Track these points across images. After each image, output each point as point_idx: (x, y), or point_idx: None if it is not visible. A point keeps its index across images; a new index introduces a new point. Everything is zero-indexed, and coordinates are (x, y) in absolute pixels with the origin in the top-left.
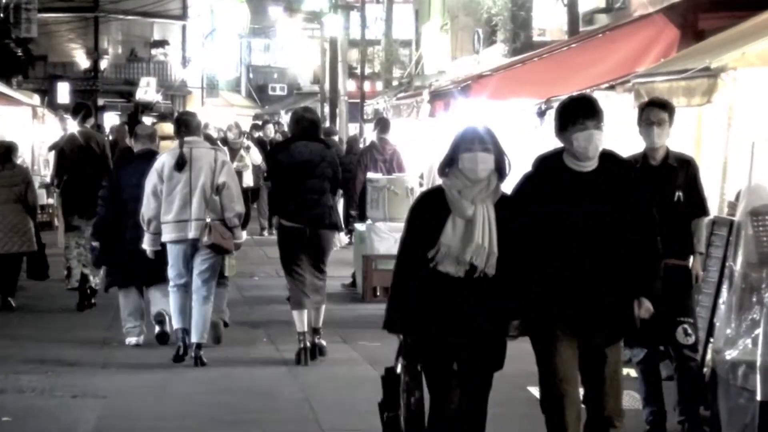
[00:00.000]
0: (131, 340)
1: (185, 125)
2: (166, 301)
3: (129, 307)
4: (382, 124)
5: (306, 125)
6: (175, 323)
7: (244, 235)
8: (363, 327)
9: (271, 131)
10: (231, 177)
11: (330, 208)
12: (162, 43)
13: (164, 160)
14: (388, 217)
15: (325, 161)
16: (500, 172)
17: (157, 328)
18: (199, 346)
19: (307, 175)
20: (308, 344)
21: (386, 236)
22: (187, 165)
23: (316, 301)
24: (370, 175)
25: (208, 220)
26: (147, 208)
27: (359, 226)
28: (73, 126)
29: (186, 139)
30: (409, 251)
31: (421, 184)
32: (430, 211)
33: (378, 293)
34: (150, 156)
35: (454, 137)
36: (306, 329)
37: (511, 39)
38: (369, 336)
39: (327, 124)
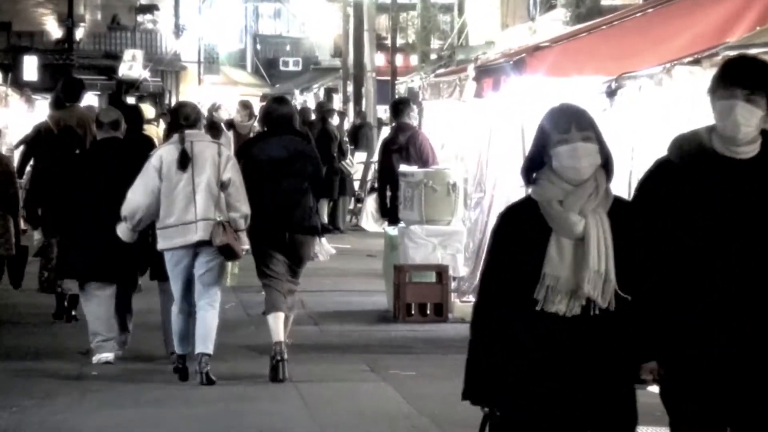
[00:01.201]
0: (102, 356)
1: (185, 117)
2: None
3: (97, 314)
4: (395, 107)
5: (279, 117)
6: (178, 348)
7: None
8: (394, 352)
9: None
10: (237, 173)
11: (309, 210)
12: (150, 8)
13: (162, 155)
14: (425, 218)
15: (304, 158)
16: (606, 167)
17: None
18: (205, 358)
19: (284, 173)
20: (285, 356)
21: (423, 242)
22: (190, 162)
23: (290, 307)
24: (403, 168)
25: (219, 218)
26: (129, 204)
27: (390, 230)
28: (43, 110)
29: (188, 132)
30: (497, 290)
31: (465, 179)
32: (523, 233)
33: (413, 311)
34: (114, 146)
35: (538, 126)
36: (282, 339)
37: (575, 3)
38: (401, 363)
39: (351, 105)
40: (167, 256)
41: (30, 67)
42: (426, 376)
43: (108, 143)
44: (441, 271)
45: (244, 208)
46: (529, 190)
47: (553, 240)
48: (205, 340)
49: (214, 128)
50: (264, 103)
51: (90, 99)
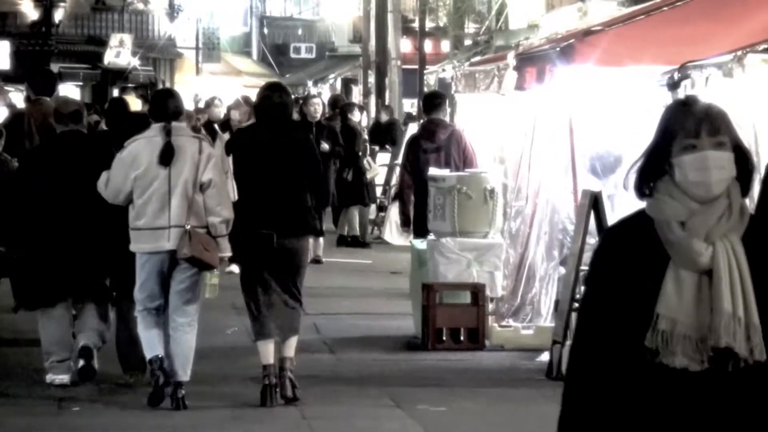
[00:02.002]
0: (56, 378)
1: (164, 107)
2: (96, 332)
3: (53, 332)
4: (430, 101)
5: (274, 107)
6: (148, 352)
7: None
8: (422, 384)
9: (318, 110)
10: (219, 174)
11: (306, 210)
12: None
13: (136, 149)
14: (458, 230)
15: (301, 152)
16: (744, 180)
17: (81, 362)
18: (180, 384)
19: (277, 169)
20: (275, 380)
21: (455, 257)
22: (173, 158)
23: (289, 329)
24: (433, 171)
25: (188, 226)
26: (112, 188)
27: (417, 244)
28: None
29: (171, 124)
30: (600, 331)
31: (504, 185)
32: (633, 258)
33: (444, 338)
34: (75, 140)
35: (659, 122)
36: (273, 362)
37: None
38: (431, 397)
39: (373, 98)
40: (137, 258)
41: (1, 54)
42: (459, 412)
43: (68, 137)
44: (476, 291)
45: (225, 212)
46: (643, 204)
47: (671, 272)
48: (184, 366)
49: (208, 128)
50: (260, 90)
51: (71, 91)
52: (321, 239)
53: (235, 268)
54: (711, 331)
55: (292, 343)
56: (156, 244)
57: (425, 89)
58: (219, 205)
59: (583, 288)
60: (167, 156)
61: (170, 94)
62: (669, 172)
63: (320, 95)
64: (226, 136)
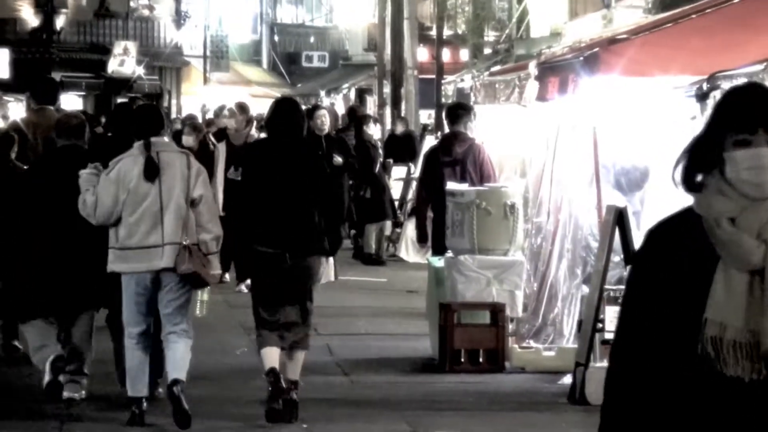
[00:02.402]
0: (49, 358)
1: (144, 123)
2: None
3: (36, 337)
4: (451, 112)
5: (284, 122)
6: (131, 389)
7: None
8: (439, 408)
9: (325, 122)
10: (208, 189)
11: (315, 230)
12: None
13: (123, 167)
14: (477, 247)
15: (312, 168)
16: None
17: (48, 376)
18: (178, 384)
19: (286, 187)
20: (282, 383)
21: (474, 276)
22: (158, 173)
23: (296, 341)
24: (451, 186)
25: (186, 242)
26: (102, 209)
27: (435, 261)
28: (17, 114)
29: (153, 140)
30: (641, 343)
31: (526, 200)
32: (679, 259)
33: (462, 359)
34: (74, 155)
35: (713, 109)
36: (278, 366)
37: None
38: (448, 422)
39: (388, 108)
40: (124, 280)
41: (0, 62)
42: None
43: (67, 152)
44: (496, 311)
45: (216, 228)
46: (691, 200)
47: (721, 272)
48: (179, 368)
49: (219, 137)
50: (272, 104)
51: (73, 101)
52: (331, 259)
53: (243, 288)
54: (764, 335)
55: (298, 363)
56: (149, 263)
57: (443, 100)
58: (210, 221)
59: (622, 294)
60: (151, 171)
61: (150, 110)
62: (719, 165)
63: (333, 106)
64: (223, 145)
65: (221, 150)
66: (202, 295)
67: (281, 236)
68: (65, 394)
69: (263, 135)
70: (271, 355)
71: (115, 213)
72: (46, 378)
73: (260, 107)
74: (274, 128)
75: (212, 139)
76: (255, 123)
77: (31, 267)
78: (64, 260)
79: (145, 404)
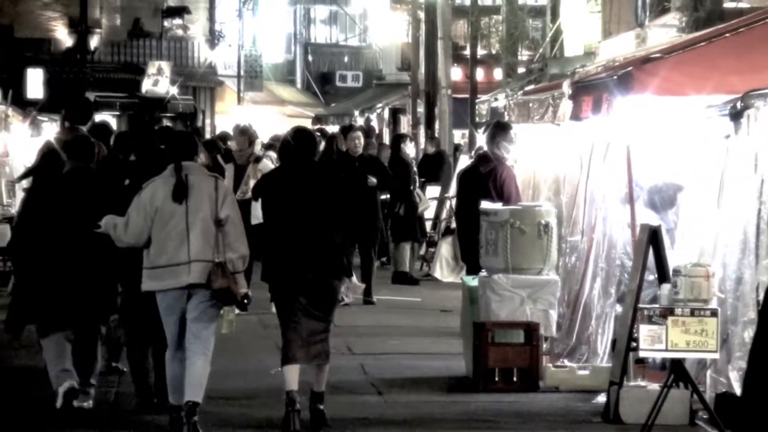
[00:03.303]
0: (66, 384)
1: (180, 145)
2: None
3: (53, 352)
4: (487, 131)
5: (296, 152)
6: (171, 397)
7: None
8: (473, 427)
9: (359, 143)
10: (235, 210)
11: (335, 252)
12: (180, 11)
13: (152, 190)
14: (511, 266)
15: (331, 192)
16: None
17: (60, 401)
18: (194, 408)
19: (307, 210)
20: (298, 406)
21: (508, 295)
22: (185, 196)
23: (317, 355)
24: (485, 205)
25: (217, 259)
26: (132, 231)
27: (468, 281)
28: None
29: (184, 164)
30: None
31: (560, 219)
32: None
33: (497, 378)
34: (82, 176)
35: None
36: (296, 388)
37: (691, 6)
38: None
39: (422, 128)
40: (159, 298)
41: (35, 82)
42: None
43: (75, 175)
44: (530, 330)
45: (243, 248)
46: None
47: None
48: (195, 388)
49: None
50: (291, 131)
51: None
52: (354, 279)
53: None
54: None
55: (324, 375)
56: (177, 279)
57: (476, 119)
58: (236, 240)
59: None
60: (179, 192)
61: (183, 136)
62: None
63: (370, 123)
64: (231, 166)
65: (229, 170)
66: (229, 314)
67: (301, 259)
68: (75, 403)
69: (268, 153)
70: (292, 375)
71: (145, 233)
72: (59, 402)
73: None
74: (286, 157)
75: (220, 160)
76: (258, 143)
77: (37, 283)
78: (69, 277)
79: (183, 412)
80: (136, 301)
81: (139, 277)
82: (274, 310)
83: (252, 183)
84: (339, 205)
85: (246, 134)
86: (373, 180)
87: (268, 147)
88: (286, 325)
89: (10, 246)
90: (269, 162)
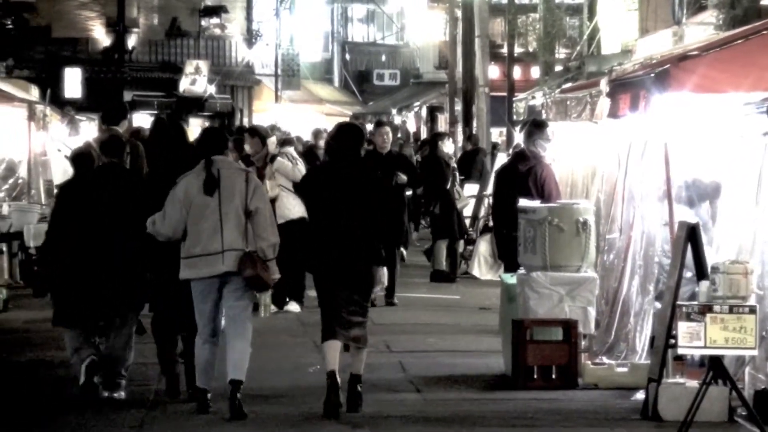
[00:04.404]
0: (87, 360)
1: (211, 141)
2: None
3: (74, 339)
4: (523, 129)
5: (341, 149)
6: (199, 381)
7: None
8: (512, 425)
9: (387, 139)
10: (264, 202)
11: (371, 242)
12: (217, 11)
13: (186, 184)
14: (549, 263)
15: (371, 186)
16: None
17: (82, 377)
18: (237, 386)
19: (347, 204)
20: (339, 384)
21: (547, 292)
22: (216, 189)
23: (355, 338)
24: (523, 203)
25: (248, 248)
26: (169, 223)
27: (507, 278)
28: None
29: (214, 158)
30: None
31: (598, 216)
32: None
33: (535, 376)
34: (114, 172)
35: None
36: (337, 368)
37: (729, 4)
38: None
39: (459, 126)
40: (193, 286)
41: (72, 81)
42: None
43: (106, 170)
44: (569, 327)
45: (272, 237)
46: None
47: None
48: (238, 367)
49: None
50: (334, 127)
51: (144, 119)
52: (384, 273)
53: (293, 307)
54: None
55: (362, 359)
56: (212, 268)
57: (514, 117)
58: (266, 230)
59: None
60: (210, 185)
61: (214, 132)
62: None
63: (405, 123)
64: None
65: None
66: (266, 299)
67: (339, 247)
68: (105, 393)
69: (284, 150)
70: (333, 354)
71: (181, 225)
72: (81, 379)
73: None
74: (332, 154)
75: (241, 164)
76: (271, 142)
77: (69, 277)
78: (102, 268)
79: (209, 395)
80: (166, 290)
81: (168, 267)
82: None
83: (269, 184)
84: (377, 197)
85: (257, 134)
86: (403, 177)
87: (283, 143)
88: (325, 308)
89: (44, 241)
90: (284, 159)
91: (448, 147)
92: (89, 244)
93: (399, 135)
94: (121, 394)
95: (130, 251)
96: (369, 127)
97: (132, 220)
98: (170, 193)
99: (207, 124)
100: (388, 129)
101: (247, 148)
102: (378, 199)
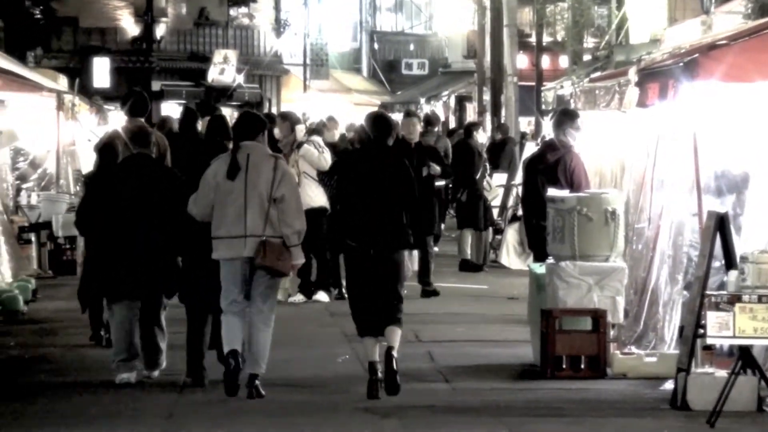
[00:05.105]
0: (122, 377)
1: (241, 126)
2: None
3: (116, 334)
4: (555, 119)
5: (372, 139)
6: (227, 346)
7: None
8: (540, 415)
9: (414, 129)
10: (291, 189)
11: (401, 228)
12: (245, 0)
13: (215, 168)
14: (578, 253)
15: (399, 173)
16: None
17: (120, 377)
18: (253, 378)
19: (376, 192)
20: (380, 375)
21: (575, 282)
22: (242, 173)
23: (388, 322)
24: (552, 192)
25: (264, 237)
26: (199, 206)
27: (536, 268)
28: (118, 123)
29: (244, 143)
30: None
31: (626, 206)
32: None
33: (564, 365)
34: (142, 162)
35: None
36: (377, 358)
37: None
38: (549, 428)
39: (488, 115)
40: (221, 264)
41: (101, 71)
42: None
43: (134, 160)
44: (597, 317)
45: (297, 223)
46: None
47: None
48: (257, 360)
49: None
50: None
51: (172, 109)
52: (414, 258)
53: (322, 296)
54: None
55: (396, 335)
56: (234, 251)
57: (542, 107)
58: (290, 217)
59: None
60: (232, 170)
61: (246, 117)
62: None
63: (433, 113)
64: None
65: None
66: (284, 283)
67: (370, 232)
68: (145, 372)
69: (312, 138)
70: (371, 346)
71: (209, 207)
72: (119, 378)
73: (357, 115)
74: (364, 142)
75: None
76: (300, 129)
77: (106, 258)
78: (135, 252)
79: (239, 356)
80: (197, 271)
81: (199, 249)
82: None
83: (292, 171)
84: (404, 184)
85: (288, 120)
86: (436, 168)
87: (311, 132)
88: (354, 296)
89: (77, 224)
90: (311, 147)
91: (481, 136)
92: (117, 233)
93: (437, 128)
94: (155, 374)
95: (156, 241)
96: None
97: (158, 210)
98: (204, 174)
99: (235, 114)
100: (415, 119)
101: (276, 132)
102: (405, 186)
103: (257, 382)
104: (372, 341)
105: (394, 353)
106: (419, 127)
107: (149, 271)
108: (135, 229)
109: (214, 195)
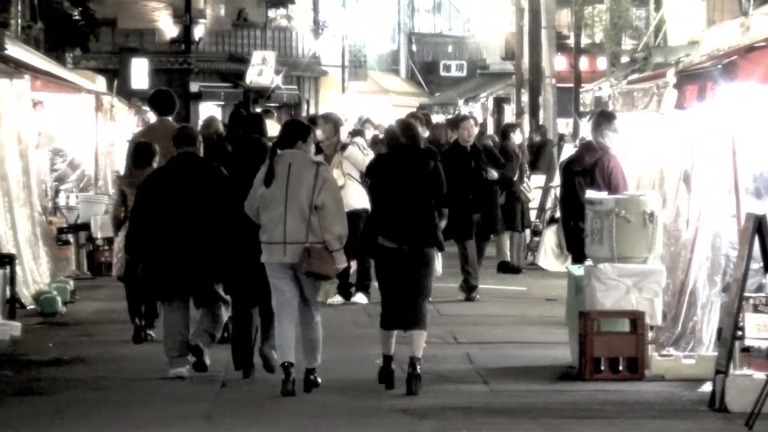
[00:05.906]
0: (176, 371)
1: (285, 134)
2: (206, 333)
3: (168, 330)
4: (593, 121)
5: (404, 137)
6: (280, 357)
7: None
8: (579, 416)
9: (471, 133)
10: (332, 196)
11: (431, 226)
12: (284, 2)
13: (261, 172)
14: (616, 255)
15: (428, 174)
16: None
17: (193, 359)
18: (312, 370)
19: (407, 192)
20: (393, 367)
21: (614, 284)
22: (282, 180)
23: (413, 323)
24: (590, 194)
25: (308, 244)
26: (246, 206)
27: (574, 269)
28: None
29: (285, 151)
30: None
31: (664, 209)
32: None
33: (602, 367)
34: (188, 160)
35: None
36: (393, 352)
37: None
38: (588, 430)
39: (526, 116)
40: (268, 269)
41: (139, 72)
42: None
43: (179, 159)
44: (636, 319)
45: (337, 228)
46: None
47: None
48: (314, 354)
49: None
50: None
51: (212, 111)
52: (439, 260)
53: (360, 298)
54: None
55: (420, 341)
56: (275, 257)
57: (581, 108)
58: (331, 223)
59: None
60: (268, 178)
61: (290, 125)
62: None
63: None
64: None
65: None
66: (325, 285)
67: (401, 232)
68: (193, 359)
69: (355, 140)
70: (388, 340)
71: (255, 210)
72: (172, 372)
73: (395, 117)
74: (393, 145)
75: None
76: (343, 131)
77: (157, 256)
78: (184, 249)
79: (292, 368)
80: (240, 264)
81: (244, 244)
82: (356, 299)
83: (336, 172)
84: (438, 190)
85: (330, 121)
86: (494, 174)
87: (354, 134)
88: (385, 293)
89: (130, 228)
90: (355, 149)
91: (518, 138)
92: (173, 227)
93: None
94: (207, 360)
95: (202, 238)
96: (435, 118)
97: (205, 208)
98: (256, 177)
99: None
100: (471, 122)
101: (318, 134)
102: (433, 188)
103: (312, 376)
104: (391, 336)
105: (418, 365)
106: (475, 131)
107: (195, 269)
108: (182, 228)
109: (259, 200)
